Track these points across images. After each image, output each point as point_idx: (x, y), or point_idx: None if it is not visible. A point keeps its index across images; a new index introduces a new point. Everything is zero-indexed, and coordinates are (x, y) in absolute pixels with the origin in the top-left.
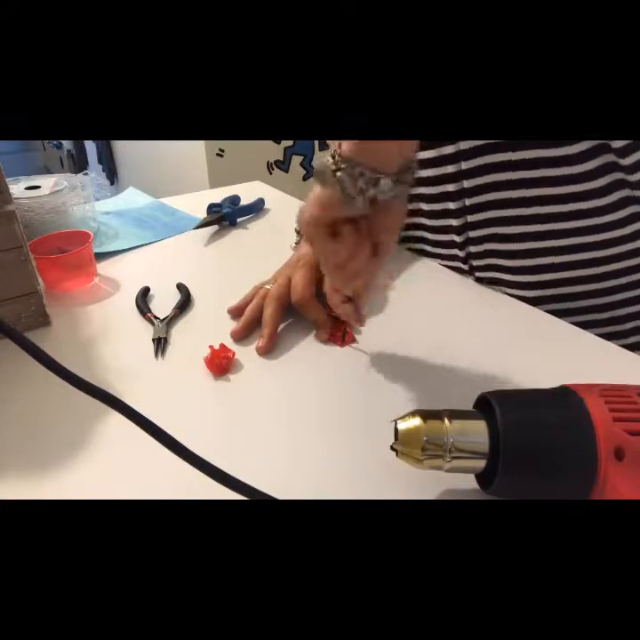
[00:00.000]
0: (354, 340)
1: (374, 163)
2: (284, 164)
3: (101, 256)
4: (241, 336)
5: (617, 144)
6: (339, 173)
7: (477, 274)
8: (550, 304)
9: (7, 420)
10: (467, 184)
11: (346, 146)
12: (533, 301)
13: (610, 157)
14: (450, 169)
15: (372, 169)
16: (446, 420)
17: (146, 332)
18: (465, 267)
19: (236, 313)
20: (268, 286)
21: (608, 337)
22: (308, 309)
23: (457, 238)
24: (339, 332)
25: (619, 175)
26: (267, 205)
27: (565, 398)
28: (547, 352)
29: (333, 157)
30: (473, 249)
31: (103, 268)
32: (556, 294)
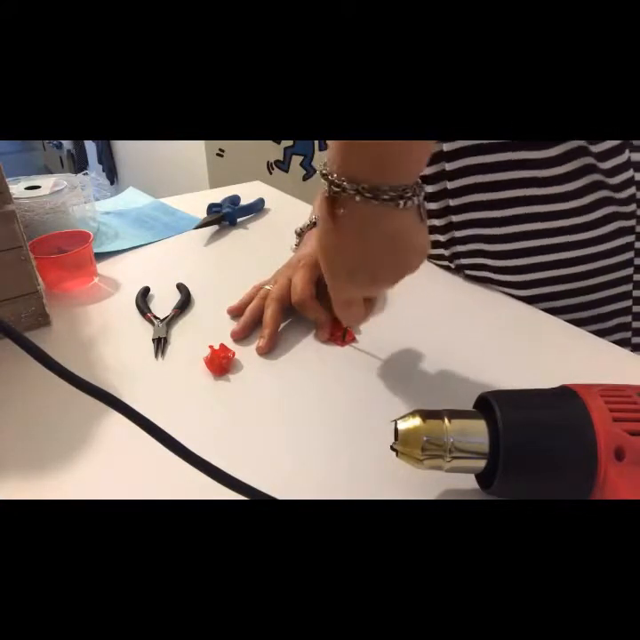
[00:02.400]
0: (354, 340)
1: (398, 179)
2: (284, 164)
3: (101, 256)
4: (241, 336)
5: (596, 148)
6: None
7: (467, 272)
8: (535, 303)
9: (7, 420)
10: (449, 185)
11: (362, 173)
12: (520, 301)
13: (588, 160)
14: (432, 170)
15: (397, 187)
16: (446, 420)
17: (146, 332)
18: (451, 265)
19: (236, 313)
20: (268, 287)
21: (593, 335)
22: (309, 309)
23: (441, 238)
24: (339, 331)
25: (596, 177)
26: (267, 205)
27: (565, 398)
28: (546, 351)
29: (358, 192)
30: (460, 248)
31: (103, 267)
32: (540, 294)
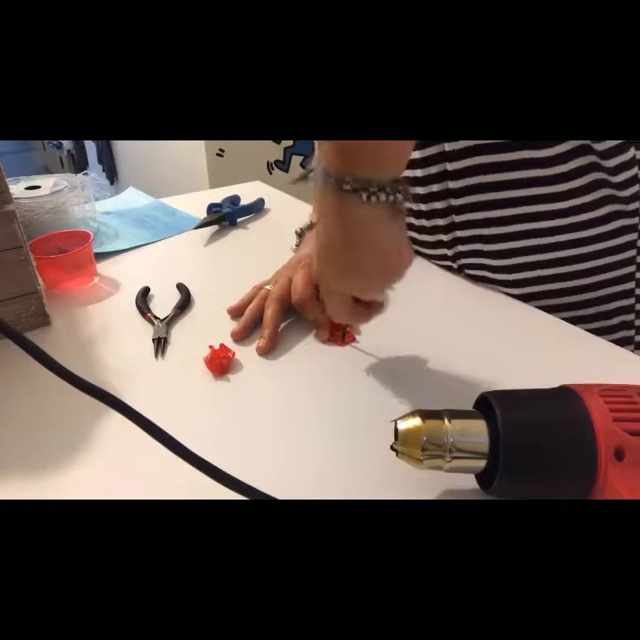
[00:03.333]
0: (354, 340)
1: (389, 171)
2: (284, 164)
3: (101, 256)
4: (241, 336)
5: (599, 146)
6: (373, 198)
7: (467, 271)
8: (538, 300)
9: (7, 420)
10: (452, 185)
11: (355, 167)
12: (521, 299)
13: (591, 158)
14: (435, 170)
15: (393, 180)
16: (446, 420)
17: (146, 332)
18: (454, 265)
19: (236, 313)
20: (268, 287)
21: (596, 332)
22: (309, 309)
23: (444, 237)
24: (339, 331)
25: (600, 175)
26: (267, 205)
27: (565, 398)
28: (546, 351)
29: (352, 188)
30: (462, 248)
31: (103, 267)
32: (544, 291)
